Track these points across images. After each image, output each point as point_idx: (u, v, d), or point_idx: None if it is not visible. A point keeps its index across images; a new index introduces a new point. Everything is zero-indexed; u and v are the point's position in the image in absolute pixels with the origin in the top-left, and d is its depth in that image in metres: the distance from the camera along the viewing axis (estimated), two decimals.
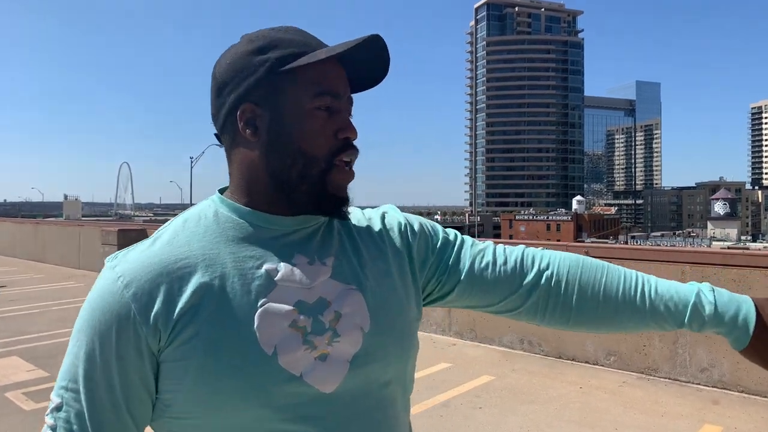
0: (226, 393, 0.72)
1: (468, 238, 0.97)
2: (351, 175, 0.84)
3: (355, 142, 0.84)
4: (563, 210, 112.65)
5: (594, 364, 5.29)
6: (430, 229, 0.95)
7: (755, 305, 0.84)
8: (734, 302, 0.85)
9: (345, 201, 0.84)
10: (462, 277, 0.92)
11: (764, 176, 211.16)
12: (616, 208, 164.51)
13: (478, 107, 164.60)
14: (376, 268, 0.86)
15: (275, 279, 0.77)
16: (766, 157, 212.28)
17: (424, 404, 4.36)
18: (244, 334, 0.73)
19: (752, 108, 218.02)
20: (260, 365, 0.73)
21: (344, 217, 0.85)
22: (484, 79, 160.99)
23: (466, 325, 6.24)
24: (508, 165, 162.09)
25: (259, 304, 0.75)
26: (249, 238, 0.80)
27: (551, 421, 4.04)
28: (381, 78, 0.88)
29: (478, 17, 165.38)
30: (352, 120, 0.85)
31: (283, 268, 0.78)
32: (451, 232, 0.97)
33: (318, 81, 0.80)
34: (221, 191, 0.87)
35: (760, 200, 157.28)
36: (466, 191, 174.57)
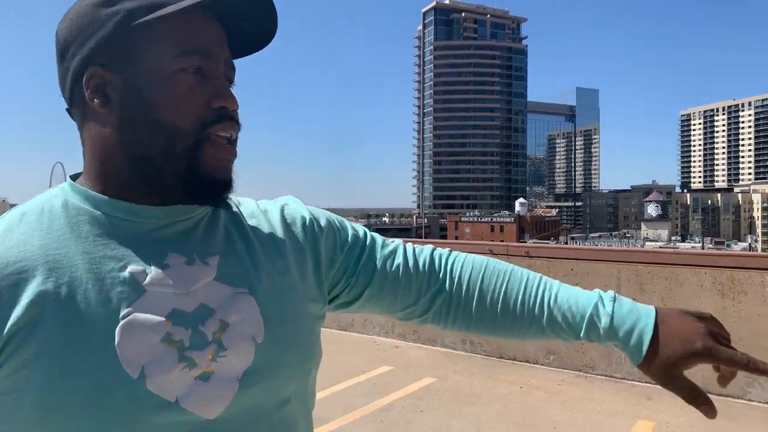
0: None
1: (378, 237, 0.88)
2: (231, 153, 0.70)
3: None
4: (507, 212, 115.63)
5: (534, 364, 5.34)
6: (338, 225, 0.85)
7: (656, 320, 0.76)
8: (633, 315, 0.77)
9: (224, 185, 0.70)
10: (372, 280, 0.83)
11: (692, 180, 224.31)
12: (557, 210, 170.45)
13: (425, 111, 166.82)
14: (272, 267, 0.73)
15: (143, 284, 0.63)
16: (694, 162, 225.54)
17: (365, 409, 4.24)
18: (100, 354, 0.59)
19: (682, 115, 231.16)
20: (122, 392, 0.59)
21: (223, 205, 0.72)
22: (432, 83, 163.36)
23: (410, 326, 6.18)
24: (454, 168, 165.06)
25: (122, 315, 0.61)
26: (109, 234, 0.65)
27: (492, 423, 4.02)
28: (270, 36, 0.74)
29: (425, 21, 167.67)
30: (232, 89, 0.71)
31: (153, 270, 0.65)
32: (360, 229, 0.87)
33: (182, 37, 0.66)
34: (74, 178, 0.71)
35: (688, 203, 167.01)
36: (414, 193, 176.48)
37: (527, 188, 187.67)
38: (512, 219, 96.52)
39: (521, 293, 0.83)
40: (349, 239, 0.84)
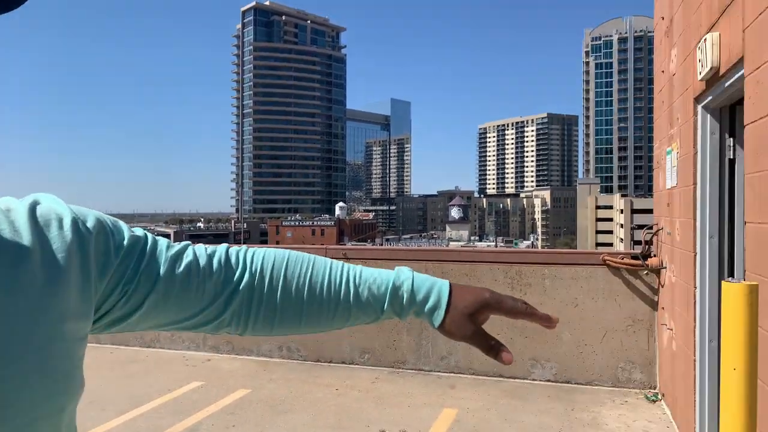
0: None
1: (162, 239, 0.77)
2: None
3: None
4: (327, 216, 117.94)
5: (350, 364, 5.42)
6: (111, 226, 0.71)
7: (450, 286, 0.83)
8: (431, 280, 0.83)
9: None
10: (156, 285, 0.71)
11: (488, 186, 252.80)
12: (374, 214, 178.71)
13: (245, 112, 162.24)
14: (10, 280, 0.58)
15: None
16: (489, 170, 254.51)
17: None
18: None
19: (480, 129, 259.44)
20: None
21: None
22: (251, 84, 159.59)
23: (222, 336, 5.84)
24: (275, 171, 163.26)
25: None
26: None
27: (307, 428, 3.95)
28: None
29: (245, 21, 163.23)
30: None
31: None
32: (140, 231, 0.76)
33: None
34: None
35: (485, 206, 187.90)
36: (232, 197, 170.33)
37: (347, 193, 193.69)
38: (333, 222, 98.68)
39: (327, 275, 0.82)
40: (126, 241, 0.71)
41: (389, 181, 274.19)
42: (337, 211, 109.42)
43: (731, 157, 3.09)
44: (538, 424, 4.00)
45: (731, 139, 3.09)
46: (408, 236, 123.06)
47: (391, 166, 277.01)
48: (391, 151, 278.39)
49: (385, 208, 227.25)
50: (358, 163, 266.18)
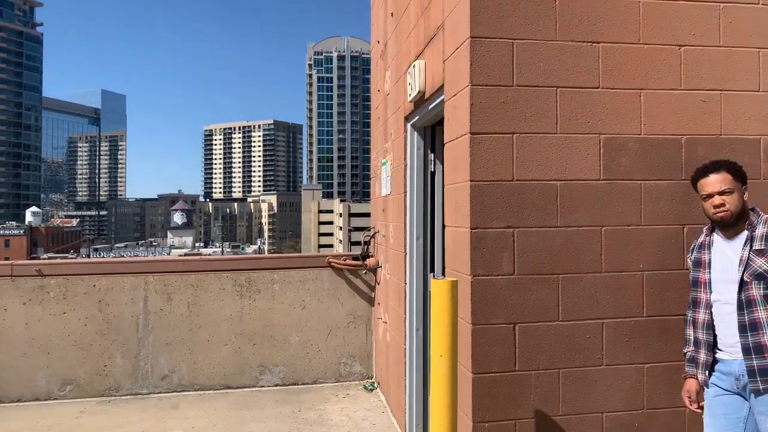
0: None
1: None
2: None
3: None
4: (15, 223, 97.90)
5: (47, 400, 4.53)
6: None
7: None
8: None
9: None
10: None
11: (214, 190, 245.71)
12: (78, 220, 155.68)
13: None
14: None
15: None
16: (215, 173, 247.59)
17: None
18: None
19: (205, 130, 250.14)
20: None
21: None
22: None
23: None
24: None
25: None
26: None
27: None
28: None
29: None
30: None
31: None
32: None
33: None
34: None
35: (210, 211, 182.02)
36: None
37: (42, 195, 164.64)
38: (22, 231, 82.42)
39: None
40: None
41: (99, 182, 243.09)
42: (29, 218, 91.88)
43: (432, 170, 3.57)
44: (267, 431, 3.97)
45: (432, 154, 3.57)
46: (122, 245, 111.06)
47: (102, 166, 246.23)
48: (102, 148, 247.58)
49: (93, 213, 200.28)
50: (59, 161, 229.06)
